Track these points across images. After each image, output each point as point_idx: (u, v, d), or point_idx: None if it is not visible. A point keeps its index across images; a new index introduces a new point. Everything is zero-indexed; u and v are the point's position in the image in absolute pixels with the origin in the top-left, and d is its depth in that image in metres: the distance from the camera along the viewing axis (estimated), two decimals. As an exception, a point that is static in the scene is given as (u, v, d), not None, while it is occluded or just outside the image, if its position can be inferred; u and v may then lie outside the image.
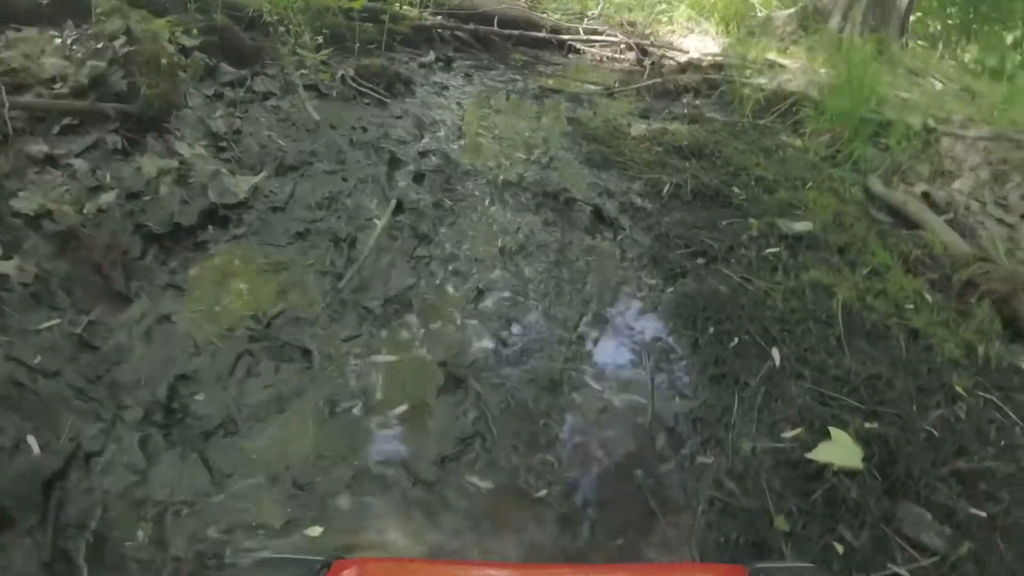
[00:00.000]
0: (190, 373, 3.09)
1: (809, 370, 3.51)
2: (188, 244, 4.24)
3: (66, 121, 5.43)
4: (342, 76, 6.50)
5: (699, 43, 11.00)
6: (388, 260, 4.00)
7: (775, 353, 3.59)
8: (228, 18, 7.33)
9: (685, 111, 7.52)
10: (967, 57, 16.28)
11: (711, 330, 3.75)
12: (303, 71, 6.60)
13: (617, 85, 8.35)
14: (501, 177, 5.08)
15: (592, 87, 8.30)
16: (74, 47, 6.37)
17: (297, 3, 7.83)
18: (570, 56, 9.85)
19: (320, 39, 7.23)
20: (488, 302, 3.78)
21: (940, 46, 16.29)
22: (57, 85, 5.93)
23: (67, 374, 2.85)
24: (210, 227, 4.30)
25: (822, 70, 10.17)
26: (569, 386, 3.34)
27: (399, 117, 6.01)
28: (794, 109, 7.68)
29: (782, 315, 3.91)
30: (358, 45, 7.32)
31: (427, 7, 9.21)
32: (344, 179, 4.87)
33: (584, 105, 7.14)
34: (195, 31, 6.96)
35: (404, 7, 9.16)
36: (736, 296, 4.04)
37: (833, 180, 6.04)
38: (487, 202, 4.76)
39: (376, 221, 4.20)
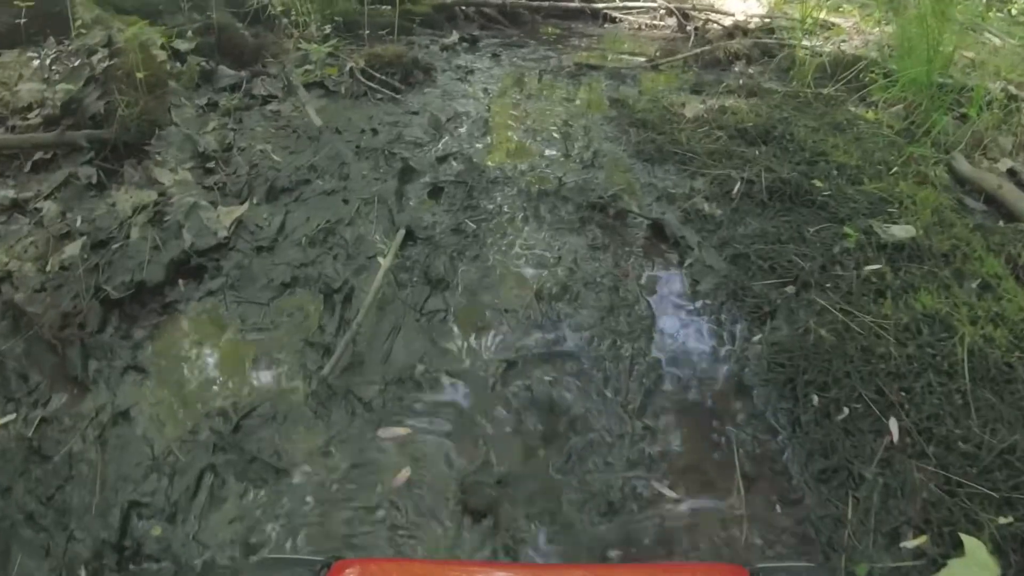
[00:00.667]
0: (145, 498, 2.43)
1: (933, 445, 2.55)
2: (155, 307, 3.35)
3: (38, 156, 4.55)
4: (351, 69, 5.44)
5: (742, 4, 9.72)
6: (391, 321, 2.98)
7: (893, 425, 2.62)
8: (227, 15, 6.32)
9: (740, 82, 6.33)
10: (1014, 9, 14.53)
11: (814, 400, 2.70)
12: (307, 67, 5.56)
13: (660, 56, 7.15)
14: (535, 184, 4.00)
15: (633, 60, 7.11)
16: (53, 67, 5.43)
17: (306, -9, 6.79)
18: (606, 26, 8.67)
19: (329, 28, 6.19)
20: (521, 381, 2.73)
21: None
22: (33, 113, 5.01)
23: (17, 492, 2.44)
24: (181, 282, 3.33)
25: (877, 28, 8.94)
26: (634, 504, 2.31)
27: (415, 113, 4.96)
28: (859, 76, 6.45)
29: (897, 366, 2.89)
30: (367, 32, 6.25)
31: (449, -18, 8.10)
32: (345, 201, 3.88)
33: (627, 82, 6.01)
34: (190, 33, 5.97)
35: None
36: (841, 343, 2.99)
37: (916, 161, 4.84)
38: (519, 220, 3.72)
39: (380, 260, 3.15)
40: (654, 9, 8.74)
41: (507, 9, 8.12)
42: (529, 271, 3.32)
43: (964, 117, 5.86)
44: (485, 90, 5.51)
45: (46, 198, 4.08)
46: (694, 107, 5.28)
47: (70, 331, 3.15)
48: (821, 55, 6.97)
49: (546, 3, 8.27)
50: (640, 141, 4.68)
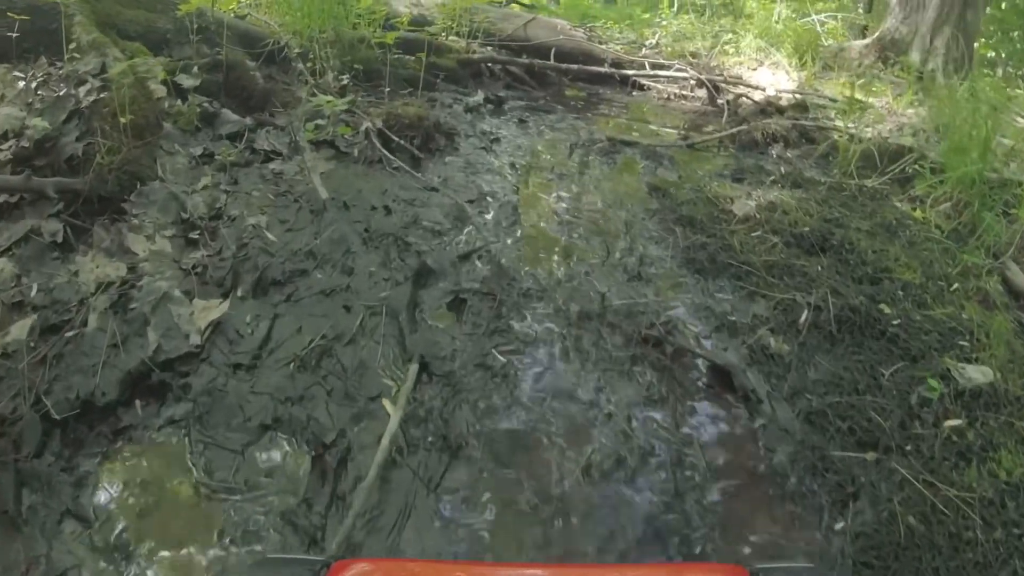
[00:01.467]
0: None
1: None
2: (105, 431, 2.54)
3: (2, 199, 3.78)
4: (367, 129, 4.63)
5: (771, 77, 9.01)
6: (398, 500, 2.18)
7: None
8: (239, 53, 5.53)
9: (782, 170, 5.57)
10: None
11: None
12: (319, 121, 4.75)
13: (694, 133, 6.40)
14: (575, 302, 3.19)
15: (667, 133, 6.34)
16: (39, 92, 4.63)
17: (325, 34, 5.99)
18: (633, 93, 7.89)
19: (346, 78, 5.40)
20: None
21: (999, 74, 14.12)
22: (7, 145, 4.24)
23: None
24: (138, 403, 2.51)
25: (910, 110, 8.23)
26: None
27: (435, 189, 4.16)
28: (903, 168, 5.77)
29: (984, 554, 2.36)
30: (388, 89, 5.45)
31: (475, 38, 7.32)
32: (347, 308, 3.08)
33: (664, 163, 5.24)
34: (195, 69, 5.17)
35: (450, 37, 7.27)
36: (928, 531, 2.45)
37: (972, 273, 4.25)
38: (556, 354, 2.90)
39: (387, 406, 2.33)
40: (684, 79, 7.96)
41: (535, 70, 7.35)
42: (573, 433, 2.48)
43: (1008, 213, 5.25)
44: (512, 164, 4.72)
45: (2, 254, 3.40)
46: (743, 204, 4.50)
47: (3, 444, 2.46)
48: (862, 141, 6.23)
49: (575, 66, 7.51)
50: (689, 246, 3.91)
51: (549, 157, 5.02)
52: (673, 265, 3.75)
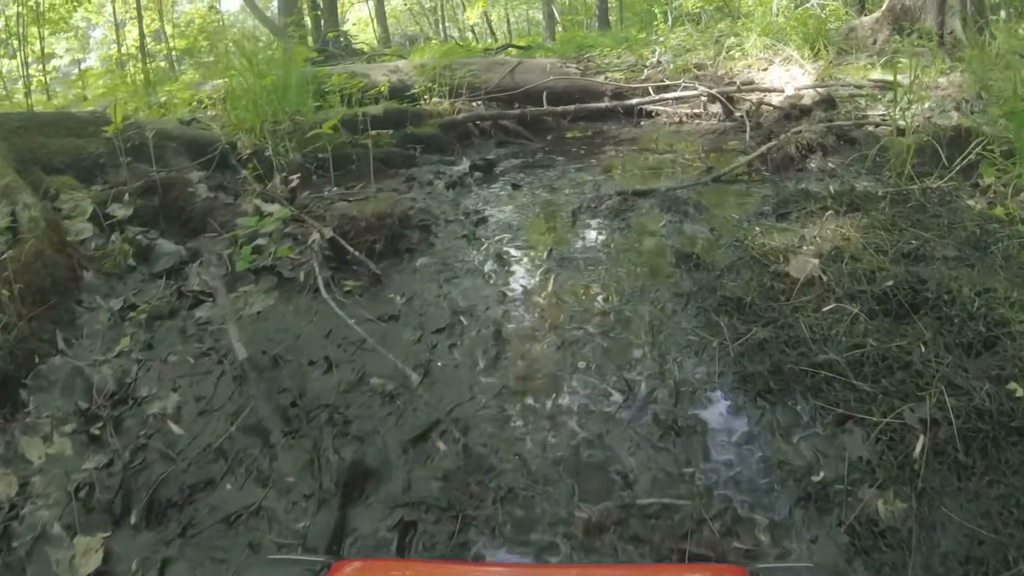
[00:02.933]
0: None
1: None
2: None
3: None
4: (315, 243, 3.36)
5: (786, 75, 7.56)
6: None
7: None
8: (187, 164, 4.38)
9: (830, 187, 4.18)
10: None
11: None
12: (260, 241, 3.50)
13: (717, 160, 5.01)
14: (583, 505, 1.85)
15: (686, 165, 4.98)
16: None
17: (282, 125, 4.77)
18: (641, 124, 6.51)
19: (296, 179, 4.17)
20: None
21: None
22: None
23: None
24: None
25: (942, 79, 6.73)
26: None
27: (395, 317, 2.87)
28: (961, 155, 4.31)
29: None
30: (337, 188, 4.22)
31: (459, 95, 6.03)
32: (253, 546, 1.77)
33: (690, 212, 3.89)
34: (127, 196, 4.02)
35: (432, 100, 6.01)
36: None
37: None
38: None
39: None
40: (694, 97, 6.55)
41: (527, 119, 6.03)
42: None
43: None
44: (500, 257, 3.39)
45: None
46: (801, 261, 3.11)
47: None
48: (909, 132, 4.79)
49: (571, 107, 6.17)
50: (743, 352, 2.53)
51: (546, 233, 3.68)
52: (721, 393, 2.37)
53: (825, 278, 3.02)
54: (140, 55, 12.79)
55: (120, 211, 3.90)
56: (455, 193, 4.37)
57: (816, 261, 3.09)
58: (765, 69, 7.80)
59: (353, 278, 3.27)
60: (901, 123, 5.42)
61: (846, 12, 9.88)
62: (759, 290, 2.91)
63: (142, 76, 9.81)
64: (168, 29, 15.77)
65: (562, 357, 2.55)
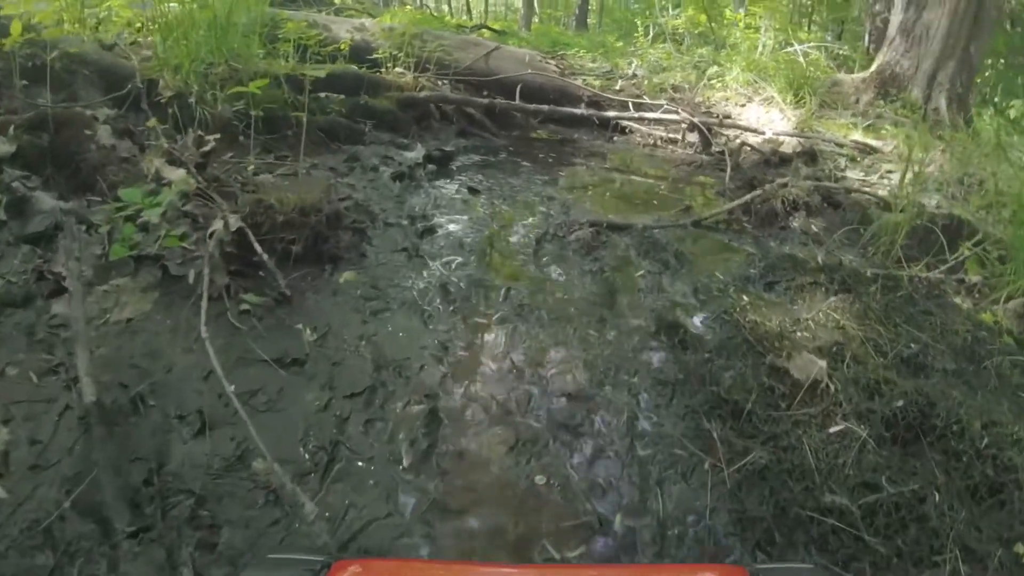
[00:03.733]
0: None
1: None
2: None
3: None
4: (213, 235, 2.52)
5: (763, 115, 6.99)
6: None
7: None
8: (98, 91, 3.47)
9: (818, 258, 3.56)
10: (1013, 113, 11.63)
11: None
12: (151, 216, 2.65)
13: (694, 195, 4.37)
14: None
15: (662, 195, 4.28)
16: None
17: (219, 69, 3.88)
18: (615, 139, 5.81)
19: (212, 140, 3.28)
20: None
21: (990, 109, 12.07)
22: None
23: None
24: None
25: (922, 155, 6.22)
26: None
27: (299, 364, 2.09)
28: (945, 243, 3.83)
29: None
30: (262, 159, 3.39)
31: (426, 70, 5.19)
32: None
33: (671, 263, 3.18)
34: (12, 130, 3.13)
35: (396, 70, 5.15)
36: None
37: None
38: None
39: None
40: (674, 123, 5.88)
41: (497, 110, 5.24)
42: None
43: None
44: (445, 289, 2.62)
45: None
46: (804, 361, 2.46)
47: None
48: (896, 209, 4.31)
49: (545, 107, 5.40)
50: (740, 481, 1.88)
51: (505, 262, 2.93)
52: (717, 535, 1.71)
53: (830, 383, 2.38)
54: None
55: (2, 146, 3.00)
56: (402, 187, 3.57)
57: (822, 364, 2.44)
58: (743, 105, 7.21)
59: (256, 291, 2.45)
60: (885, 194, 4.93)
61: (828, 65, 9.31)
62: (757, 392, 2.24)
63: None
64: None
65: (515, 463, 1.81)
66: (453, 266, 2.80)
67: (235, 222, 2.64)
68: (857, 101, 7.79)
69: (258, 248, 2.59)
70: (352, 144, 4.02)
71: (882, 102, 7.62)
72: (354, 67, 4.68)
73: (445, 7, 19.27)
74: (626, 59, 8.50)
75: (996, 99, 10.62)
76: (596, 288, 2.78)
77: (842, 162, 5.92)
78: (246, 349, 2.18)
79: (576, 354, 2.28)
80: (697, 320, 2.60)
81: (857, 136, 6.52)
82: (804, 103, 7.13)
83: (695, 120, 5.72)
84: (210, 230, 2.59)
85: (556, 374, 2.18)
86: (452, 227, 3.20)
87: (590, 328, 2.45)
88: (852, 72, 8.58)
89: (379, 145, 4.09)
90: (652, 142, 5.92)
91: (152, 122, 3.35)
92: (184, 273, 2.46)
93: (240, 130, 3.81)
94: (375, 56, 5.12)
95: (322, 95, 4.55)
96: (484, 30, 10.62)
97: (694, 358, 2.36)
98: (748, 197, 4.32)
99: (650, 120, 5.86)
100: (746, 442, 2.01)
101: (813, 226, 4.45)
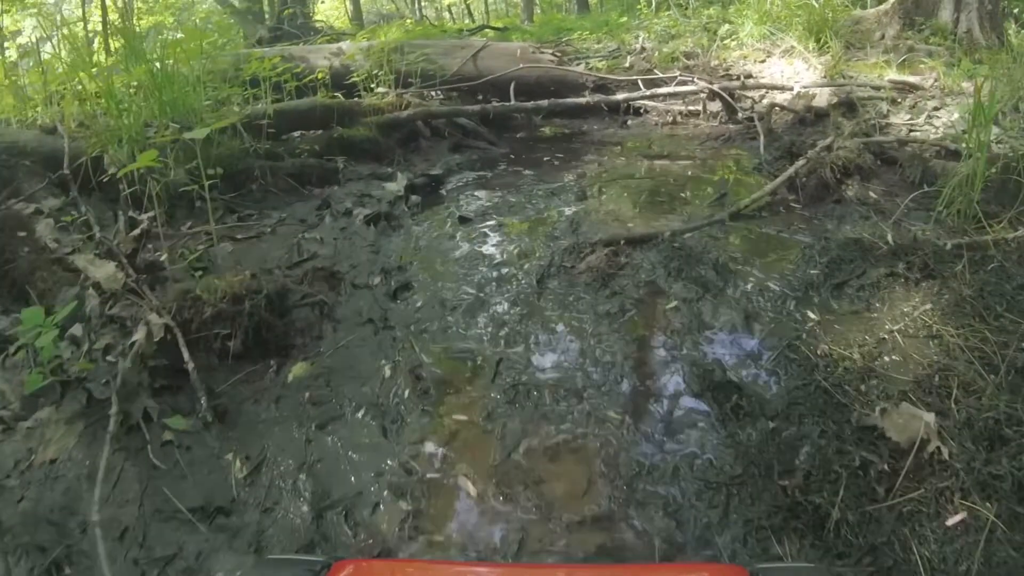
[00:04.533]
0: None
1: None
2: None
3: None
4: (134, 346, 1.88)
5: (788, 68, 6.11)
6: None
7: None
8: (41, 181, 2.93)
9: (888, 235, 2.74)
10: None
11: None
12: (75, 331, 2.03)
13: (726, 174, 3.60)
14: None
15: (688, 180, 3.53)
16: None
17: (165, 132, 3.29)
18: (628, 123, 5.04)
19: (145, 218, 2.68)
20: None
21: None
22: None
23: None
24: None
25: (966, 83, 5.37)
26: None
27: (224, 514, 1.50)
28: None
29: None
30: (217, 225, 2.77)
31: (408, 85, 4.52)
32: None
33: (710, 281, 2.45)
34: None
35: (378, 89, 4.49)
36: None
37: None
38: None
39: None
40: (692, 93, 5.08)
41: (492, 115, 4.53)
42: None
43: None
44: (416, 378, 1.94)
45: None
46: (904, 416, 1.71)
47: None
48: (959, 154, 3.49)
49: (545, 102, 4.65)
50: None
51: (495, 323, 2.22)
52: None
53: (944, 448, 1.64)
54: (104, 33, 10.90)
55: None
56: (378, 232, 2.91)
57: (928, 419, 1.69)
58: (763, 61, 6.34)
59: (186, 409, 1.83)
60: (940, 137, 4.09)
61: (844, 2, 8.29)
62: (846, 478, 1.51)
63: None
64: (138, 3, 13.59)
65: None
66: (429, 338, 2.12)
67: (159, 326, 2.02)
68: (882, 36, 6.81)
69: (185, 354, 1.97)
70: (326, 185, 3.39)
71: (910, 33, 6.64)
72: (321, 99, 4.03)
73: (446, 14, 18.49)
74: (632, 33, 7.67)
75: (1016, 11, 9.40)
76: (615, 339, 2.07)
77: (883, 107, 5.05)
78: (164, 499, 1.56)
79: (589, 457, 1.58)
80: (753, 369, 1.88)
81: (892, 75, 5.61)
82: (828, 48, 6.23)
83: (714, 87, 4.92)
84: (131, 340, 1.98)
85: (561, 499, 1.49)
86: (432, 277, 2.52)
87: (609, 408, 1.75)
88: (869, 6, 7.57)
89: (357, 181, 3.45)
90: (671, 119, 5.14)
91: (84, 212, 2.75)
92: (108, 396, 1.85)
93: (196, 194, 3.21)
94: (351, 79, 4.46)
95: (293, 135, 3.93)
96: (487, 30, 9.89)
97: (753, 433, 1.65)
98: (791, 171, 3.53)
99: (665, 95, 5.07)
100: (837, 567, 1.29)
101: (871, 192, 3.65)
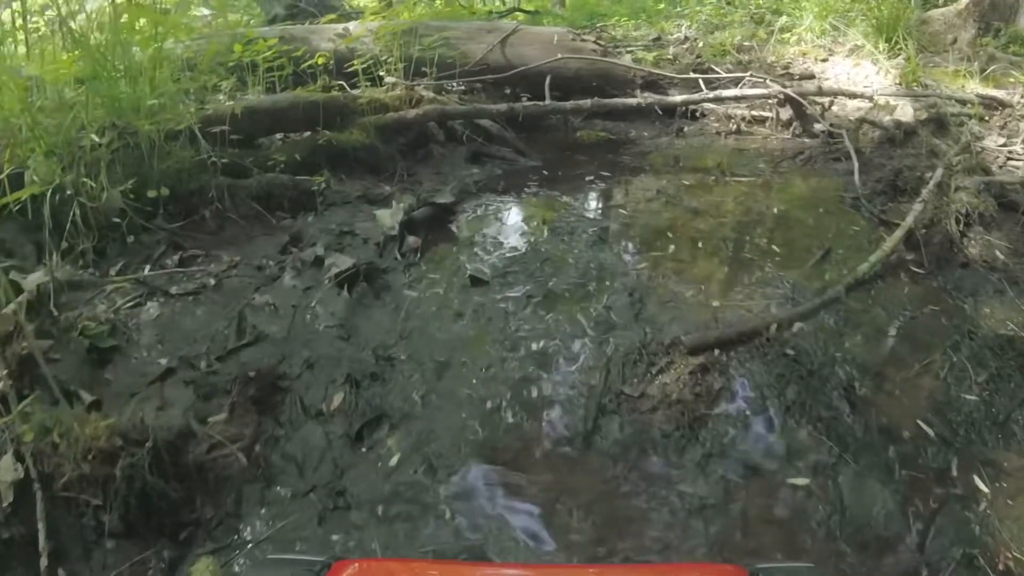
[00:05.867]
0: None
1: None
2: None
3: None
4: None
5: (854, 70, 5.00)
6: None
7: None
8: None
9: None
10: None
11: None
12: None
13: (833, 233, 2.54)
14: None
15: (777, 223, 2.48)
16: None
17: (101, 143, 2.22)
18: (685, 130, 3.97)
19: (39, 278, 1.63)
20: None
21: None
22: None
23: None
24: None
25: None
26: None
27: None
28: None
29: None
30: (155, 268, 1.76)
31: (423, 75, 3.48)
32: None
33: (844, 419, 1.37)
34: None
35: (387, 79, 3.45)
36: None
37: None
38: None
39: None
40: (761, 97, 4.00)
41: (521, 117, 3.46)
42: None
43: None
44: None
45: None
46: None
47: None
48: None
49: (587, 102, 3.58)
50: None
51: (515, 501, 1.23)
52: None
53: None
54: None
55: None
56: (353, 301, 1.91)
57: None
58: (824, 60, 5.22)
59: None
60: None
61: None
62: None
63: None
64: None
65: None
66: (402, 534, 1.15)
67: (7, 485, 1.06)
68: (954, 41, 5.61)
69: (41, 538, 1.02)
70: (301, 212, 2.39)
71: (988, 39, 5.43)
72: (304, 93, 3.01)
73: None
74: (672, 22, 6.50)
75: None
76: (721, 542, 1.08)
77: (974, 126, 3.97)
78: None
79: None
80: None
81: (975, 87, 4.51)
82: (900, 50, 5.09)
83: (788, 91, 3.84)
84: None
85: None
86: (421, 401, 1.53)
87: None
88: (936, 6, 6.31)
89: (341, 207, 2.46)
90: (734, 127, 4.07)
91: None
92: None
93: (133, 220, 2.23)
94: (351, 67, 3.42)
95: (275, 138, 2.93)
96: (517, 13, 8.72)
97: None
98: (909, 221, 2.51)
99: (729, 99, 3.99)
100: None
101: (997, 251, 2.61)
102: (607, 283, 2.04)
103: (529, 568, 1.24)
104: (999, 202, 2.96)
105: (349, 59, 3.63)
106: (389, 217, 2.32)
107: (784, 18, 5.84)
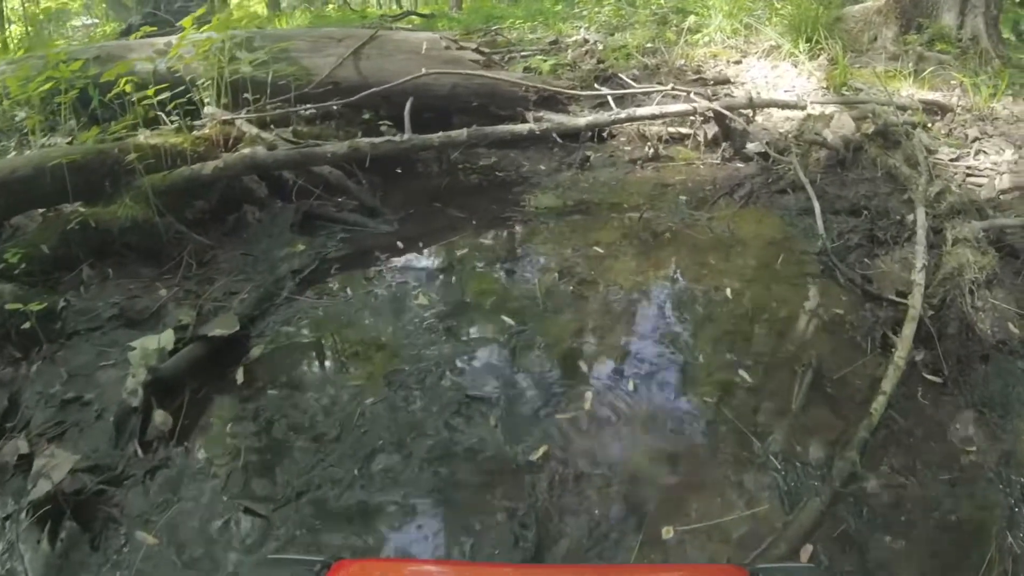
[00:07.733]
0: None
1: None
2: None
3: None
4: None
5: (770, 72, 4.29)
6: None
7: None
8: None
9: None
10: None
11: None
12: None
13: (811, 322, 1.71)
14: None
15: (752, 372, 1.59)
16: None
17: None
18: (591, 158, 3.08)
19: None
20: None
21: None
22: None
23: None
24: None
25: (998, 105, 3.65)
26: None
27: None
28: None
29: None
30: None
31: (249, 101, 2.43)
32: None
33: None
34: None
35: (207, 107, 2.38)
36: None
37: None
38: None
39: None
40: (686, 112, 3.16)
41: (366, 162, 2.47)
42: None
43: None
44: None
45: None
46: None
47: None
48: None
49: (463, 133, 2.62)
50: None
51: None
52: None
53: None
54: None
55: None
56: (52, 559, 0.92)
57: None
58: (738, 62, 4.49)
59: None
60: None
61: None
62: None
63: None
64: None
65: None
66: None
67: None
68: (875, 39, 4.97)
69: None
70: (24, 351, 1.36)
71: (913, 36, 4.80)
72: (55, 150, 1.95)
73: (373, 0, 15.65)
74: (570, 24, 5.63)
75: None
76: None
77: (922, 136, 3.29)
78: None
79: None
80: None
81: (910, 89, 3.86)
82: (822, 49, 4.41)
83: (716, 106, 3.02)
84: None
85: None
86: None
87: None
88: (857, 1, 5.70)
89: (85, 336, 1.45)
90: (650, 150, 3.20)
91: None
92: None
93: None
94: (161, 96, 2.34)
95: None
96: (412, 17, 7.66)
97: None
98: (917, 304, 1.70)
99: (643, 118, 3.12)
100: None
101: (1011, 324, 1.85)
102: (480, 510, 1.11)
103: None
104: (998, 246, 2.24)
105: (175, 81, 2.55)
106: (140, 368, 1.32)
107: (692, 17, 5.07)
